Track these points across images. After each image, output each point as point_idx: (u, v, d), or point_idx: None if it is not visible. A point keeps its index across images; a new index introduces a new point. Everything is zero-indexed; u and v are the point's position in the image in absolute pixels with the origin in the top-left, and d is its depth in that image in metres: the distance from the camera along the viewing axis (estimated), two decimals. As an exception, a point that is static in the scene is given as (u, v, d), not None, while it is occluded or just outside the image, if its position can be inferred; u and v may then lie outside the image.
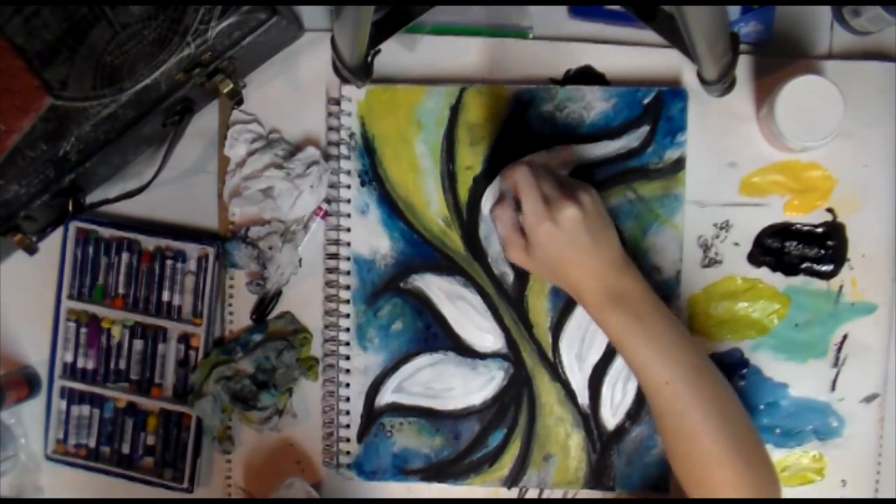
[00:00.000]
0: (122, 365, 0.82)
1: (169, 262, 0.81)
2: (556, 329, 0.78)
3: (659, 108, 0.77)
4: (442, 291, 0.79)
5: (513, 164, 0.67)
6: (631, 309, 0.66)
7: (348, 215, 0.79)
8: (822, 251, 0.77)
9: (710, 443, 0.64)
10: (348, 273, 0.79)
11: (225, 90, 0.75)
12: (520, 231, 0.67)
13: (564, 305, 0.78)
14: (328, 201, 0.80)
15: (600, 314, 0.67)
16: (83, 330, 0.82)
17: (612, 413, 0.78)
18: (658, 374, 0.65)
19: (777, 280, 0.77)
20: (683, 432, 0.66)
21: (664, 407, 0.66)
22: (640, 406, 0.77)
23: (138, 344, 0.81)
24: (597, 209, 0.66)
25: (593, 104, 0.77)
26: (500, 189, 0.67)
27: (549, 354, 0.78)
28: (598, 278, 0.66)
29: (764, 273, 0.78)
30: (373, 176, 0.79)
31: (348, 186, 0.79)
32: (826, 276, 0.77)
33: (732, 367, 0.78)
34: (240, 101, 0.77)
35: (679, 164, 0.77)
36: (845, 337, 0.77)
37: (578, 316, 0.78)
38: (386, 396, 0.79)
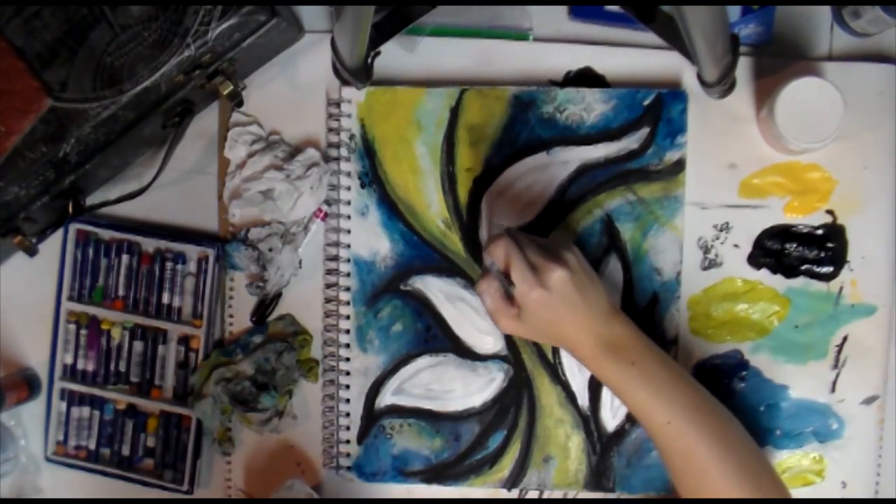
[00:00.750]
0: (122, 367, 0.82)
1: (169, 264, 0.81)
2: (556, 331, 0.78)
3: (659, 110, 0.77)
4: (442, 293, 0.79)
5: (494, 238, 0.67)
6: (625, 355, 0.67)
7: (348, 217, 0.79)
8: (822, 253, 0.77)
9: (717, 475, 0.65)
10: (348, 275, 0.79)
11: (225, 92, 0.75)
12: (508, 300, 0.67)
13: (564, 307, 0.78)
14: (328, 203, 0.80)
15: (596, 365, 0.67)
16: (83, 331, 0.82)
17: (612, 415, 0.78)
18: (658, 415, 0.66)
19: (777, 282, 0.77)
20: (690, 468, 0.66)
21: (668, 446, 0.67)
22: (640, 408, 0.77)
23: (138, 345, 0.81)
24: (581, 266, 0.67)
25: (593, 106, 0.77)
26: (485, 263, 0.68)
27: (550, 356, 0.78)
28: (590, 331, 0.67)
29: (764, 275, 0.78)
30: (373, 177, 0.79)
31: (348, 188, 0.79)
32: (826, 277, 0.77)
33: (732, 369, 0.78)
34: (240, 103, 0.77)
35: (679, 166, 0.77)
36: (845, 339, 0.77)
37: (578, 317, 0.78)
38: (386, 398, 0.79)
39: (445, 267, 0.79)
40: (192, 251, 0.81)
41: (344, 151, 0.79)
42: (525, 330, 0.68)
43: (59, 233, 0.81)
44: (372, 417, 0.79)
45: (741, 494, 0.64)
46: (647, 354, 0.68)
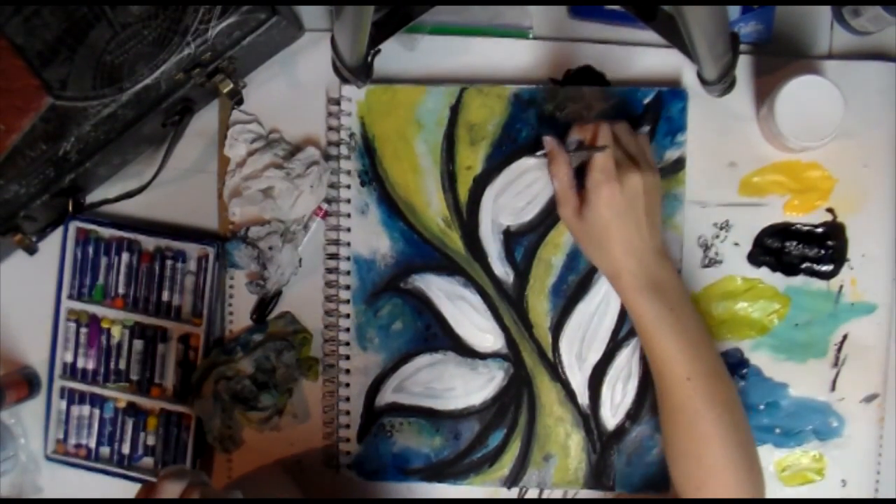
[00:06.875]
0: (122, 365, 0.82)
1: (169, 262, 0.81)
2: (556, 329, 0.78)
3: (659, 109, 0.77)
4: (442, 291, 0.79)
5: (590, 122, 0.67)
6: (666, 299, 0.66)
7: (348, 215, 0.79)
8: (822, 251, 0.77)
9: (719, 447, 0.65)
10: (348, 273, 0.79)
11: (225, 90, 0.75)
12: (574, 191, 0.67)
13: (564, 305, 0.78)
14: (328, 201, 0.80)
15: (635, 298, 0.67)
16: (83, 330, 0.82)
17: (611, 413, 0.78)
18: (681, 369, 0.65)
19: (777, 280, 0.77)
20: (696, 433, 0.66)
21: (681, 404, 0.66)
22: (639, 406, 0.77)
23: (138, 344, 0.81)
24: (657, 191, 0.67)
25: (593, 104, 0.77)
26: (567, 140, 0.69)
27: (549, 354, 0.78)
28: (640, 261, 0.66)
29: (764, 273, 0.78)
30: (373, 176, 0.79)
31: (348, 186, 0.79)
32: (826, 276, 0.77)
33: (732, 367, 0.77)
34: (240, 101, 0.77)
35: (679, 164, 0.77)
36: (845, 337, 0.77)
37: (578, 316, 0.78)
38: (386, 396, 0.79)
39: (445, 265, 0.79)
40: (192, 249, 0.81)
41: (344, 150, 0.79)
42: (580, 227, 0.68)
43: (59, 231, 0.81)
44: (372, 416, 0.79)
45: (735, 469, 0.64)
46: (686, 305, 0.67)
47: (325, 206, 0.80)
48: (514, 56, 0.79)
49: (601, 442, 0.78)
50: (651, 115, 0.76)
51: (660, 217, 0.68)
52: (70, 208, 0.79)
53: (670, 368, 0.66)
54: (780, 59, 0.77)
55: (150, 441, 0.81)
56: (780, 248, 0.77)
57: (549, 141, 0.70)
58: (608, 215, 0.65)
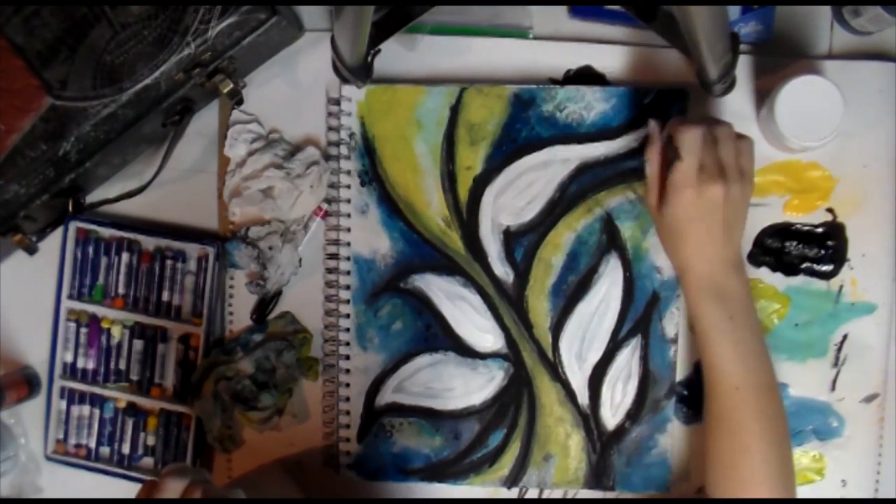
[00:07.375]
0: (122, 365, 0.82)
1: (169, 262, 0.81)
2: (556, 329, 0.78)
3: (659, 109, 0.77)
4: (442, 291, 0.79)
5: (688, 122, 0.67)
6: (727, 306, 0.66)
7: (348, 215, 0.79)
8: (822, 251, 0.77)
9: (760, 461, 0.65)
10: (348, 273, 0.79)
11: (225, 90, 0.75)
12: (662, 181, 0.68)
13: (564, 305, 0.78)
14: (328, 201, 0.80)
15: (696, 298, 0.67)
16: (83, 330, 0.82)
17: (612, 413, 0.78)
18: (732, 378, 0.66)
19: (777, 280, 0.77)
20: (738, 444, 0.66)
21: (727, 413, 0.66)
22: (639, 406, 0.78)
23: (138, 344, 0.81)
24: (741, 203, 0.67)
25: (593, 104, 0.77)
26: (664, 134, 0.68)
27: (549, 354, 0.78)
28: (709, 265, 0.67)
29: (764, 273, 0.78)
30: (373, 176, 0.79)
31: (348, 186, 0.79)
32: (826, 276, 0.77)
33: (732, 367, 0.78)
34: (240, 101, 0.77)
35: (679, 164, 0.77)
36: (845, 337, 0.77)
37: (578, 316, 0.78)
38: (386, 396, 0.79)
39: (445, 265, 0.79)
40: (192, 249, 0.81)
41: (344, 150, 0.79)
42: (658, 219, 0.69)
43: (59, 231, 0.81)
44: (372, 416, 0.79)
45: (771, 485, 0.64)
46: (748, 317, 0.67)
47: (325, 206, 0.80)
48: (513, 56, 0.79)
49: (601, 442, 0.78)
50: (651, 115, 0.76)
51: (741, 227, 0.68)
52: (70, 208, 0.79)
53: (721, 376, 0.66)
54: (780, 59, 0.77)
55: (150, 441, 0.81)
56: (779, 248, 0.77)
57: (653, 126, 0.70)
58: (682, 217, 0.66)
